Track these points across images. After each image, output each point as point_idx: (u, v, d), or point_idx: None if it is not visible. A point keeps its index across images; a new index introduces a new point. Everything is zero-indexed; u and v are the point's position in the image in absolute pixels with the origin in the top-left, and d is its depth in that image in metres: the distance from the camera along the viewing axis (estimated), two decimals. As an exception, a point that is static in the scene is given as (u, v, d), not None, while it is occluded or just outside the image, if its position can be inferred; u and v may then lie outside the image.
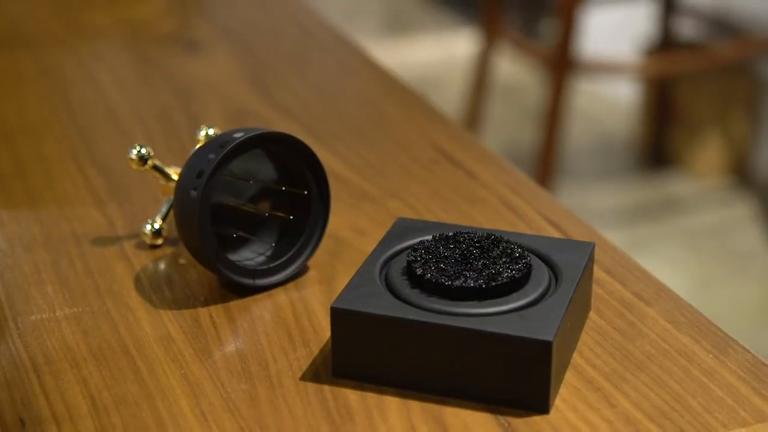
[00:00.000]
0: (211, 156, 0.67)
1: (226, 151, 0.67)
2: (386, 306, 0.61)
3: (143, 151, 0.74)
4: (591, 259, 0.66)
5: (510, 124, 3.00)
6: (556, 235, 0.77)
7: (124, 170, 0.87)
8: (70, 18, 1.23)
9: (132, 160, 0.74)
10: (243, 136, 0.68)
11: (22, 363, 0.64)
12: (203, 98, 1.00)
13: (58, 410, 0.60)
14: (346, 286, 0.63)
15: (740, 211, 2.62)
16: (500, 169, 0.87)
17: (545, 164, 2.36)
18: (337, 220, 0.79)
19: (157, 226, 0.75)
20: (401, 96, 1.02)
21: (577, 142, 2.88)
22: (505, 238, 0.66)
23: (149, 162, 0.75)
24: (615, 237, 2.41)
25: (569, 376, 0.62)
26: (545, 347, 0.57)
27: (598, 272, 0.71)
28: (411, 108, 0.99)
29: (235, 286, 0.70)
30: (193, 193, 0.66)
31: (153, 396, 0.61)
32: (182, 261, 0.74)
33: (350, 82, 1.07)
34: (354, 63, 1.11)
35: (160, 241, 0.75)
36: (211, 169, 0.67)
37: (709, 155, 2.74)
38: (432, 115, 0.97)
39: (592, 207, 2.61)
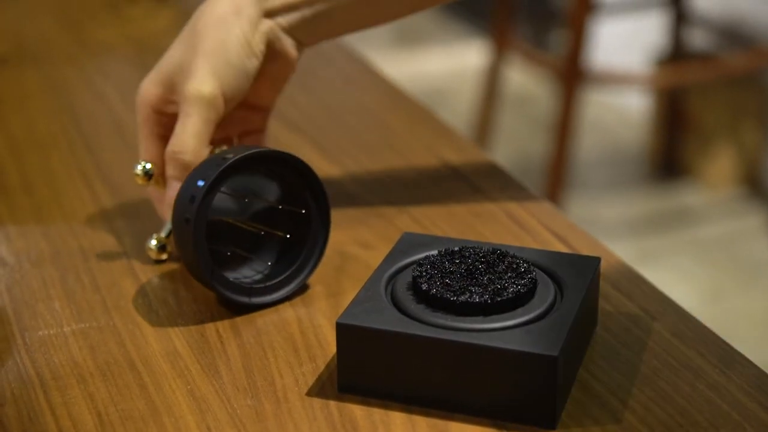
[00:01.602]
0: (201, 183, 0.67)
1: (215, 176, 0.67)
2: (391, 321, 0.61)
3: (147, 167, 0.74)
4: (597, 274, 0.66)
5: (521, 135, 3.00)
6: (563, 249, 0.77)
7: (131, 185, 0.87)
8: (77, 34, 1.24)
9: (137, 175, 0.74)
10: (232, 158, 0.68)
11: (29, 378, 0.64)
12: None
13: (65, 426, 0.60)
14: (352, 301, 0.63)
15: (752, 222, 2.61)
16: (506, 182, 0.87)
17: (556, 175, 2.36)
18: (344, 235, 0.79)
19: (160, 242, 0.75)
20: (407, 109, 1.02)
21: (589, 153, 2.88)
22: (511, 252, 0.66)
23: (154, 178, 0.75)
24: (626, 248, 2.42)
25: (575, 390, 0.62)
26: (551, 362, 0.57)
27: (604, 286, 0.71)
28: (417, 121, 0.99)
29: (232, 305, 0.70)
30: (187, 218, 0.67)
31: (159, 412, 0.61)
32: (189, 276, 0.74)
33: (356, 95, 1.07)
34: (360, 76, 1.11)
35: (165, 257, 0.75)
36: (201, 195, 0.67)
37: (720, 166, 2.74)
38: (438, 128, 0.97)
39: (603, 218, 2.61)
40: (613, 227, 2.58)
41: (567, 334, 0.59)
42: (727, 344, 0.66)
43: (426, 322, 0.61)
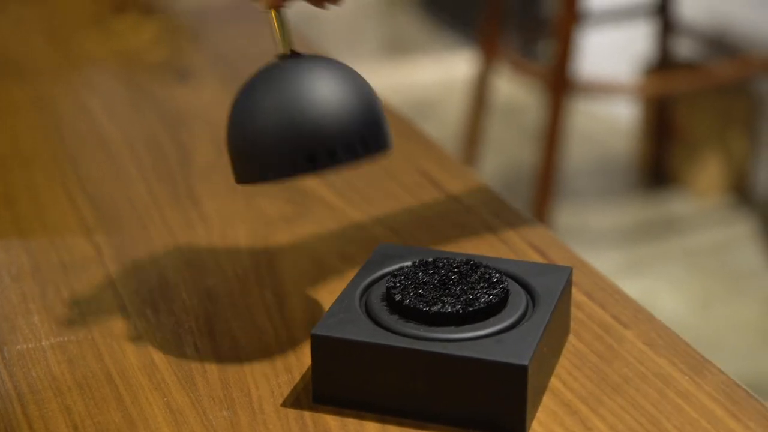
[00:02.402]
0: None
1: None
2: (365, 332, 0.61)
3: None
4: (569, 283, 0.67)
5: (510, 144, 3.01)
6: (539, 259, 0.77)
7: (112, 198, 0.88)
8: (63, 47, 1.24)
9: None
10: None
11: (7, 392, 0.65)
12: (192, 125, 1.01)
13: (42, 438, 0.61)
14: (326, 312, 0.63)
15: (740, 230, 2.62)
16: (485, 194, 0.88)
17: (544, 184, 2.37)
18: (323, 246, 0.79)
19: None
20: (389, 121, 1.02)
21: (578, 162, 2.89)
22: (484, 263, 0.67)
23: None
24: (615, 256, 2.43)
25: (547, 399, 0.62)
26: (521, 371, 0.58)
27: (578, 295, 0.72)
28: (398, 134, 1.00)
29: None
30: None
31: (135, 424, 0.62)
32: (167, 290, 0.75)
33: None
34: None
35: None
36: None
37: (708, 174, 2.75)
38: (419, 141, 0.98)
39: (592, 226, 2.62)
40: (602, 236, 2.59)
41: (537, 344, 0.60)
42: (698, 353, 0.66)
43: (399, 332, 0.61)
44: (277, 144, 0.63)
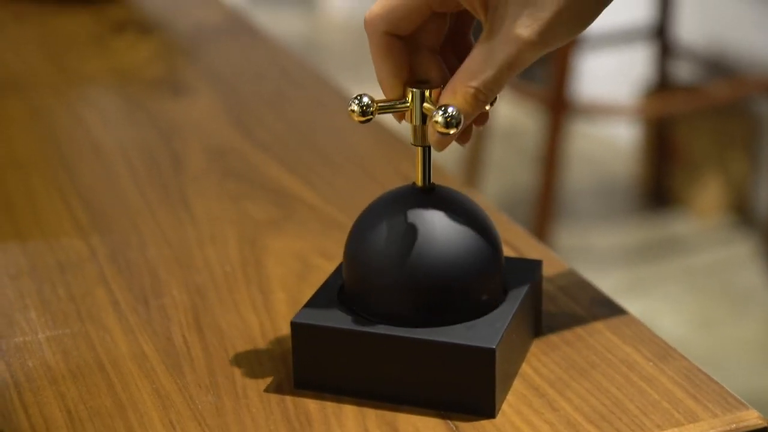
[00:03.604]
0: None
1: None
2: (341, 320, 0.65)
3: (365, 100, 0.64)
4: (539, 276, 0.70)
5: (510, 167, 3.05)
6: (513, 255, 0.80)
7: (107, 202, 0.91)
8: (62, 64, 1.28)
9: (354, 112, 0.64)
10: None
11: (4, 381, 0.68)
12: (185, 136, 1.05)
13: (37, 423, 0.64)
14: (307, 302, 0.67)
15: (741, 250, 2.65)
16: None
17: (544, 206, 2.40)
18: (307, 245, 0.83)
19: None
20: (373, 129, 1.06)
21: (578, 184, 2.92)
22: (458, 256, 0.70)
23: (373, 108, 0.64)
24: (616, 277, 2.46)
25: (517, 384, 0.65)
26: (489, 354, 0.61)
27: (552, 290, 0.75)
28: (381, 140, 1.04)
29: None
30: None
31: (125, 408, 0.65)
32: (159, 286, 0.78)
33: (325, 118, 1.11)
34: (330, 100, 1.16)
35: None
36: None
37: (709, 194, 2.77)
38: (401, 147, 1.01)
39: (593, 247, 2.65)
40: (603, 257, 2.61)
41: (505, 330, 0.63)
42: (664, 341, 0.69)
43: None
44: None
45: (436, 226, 0.64)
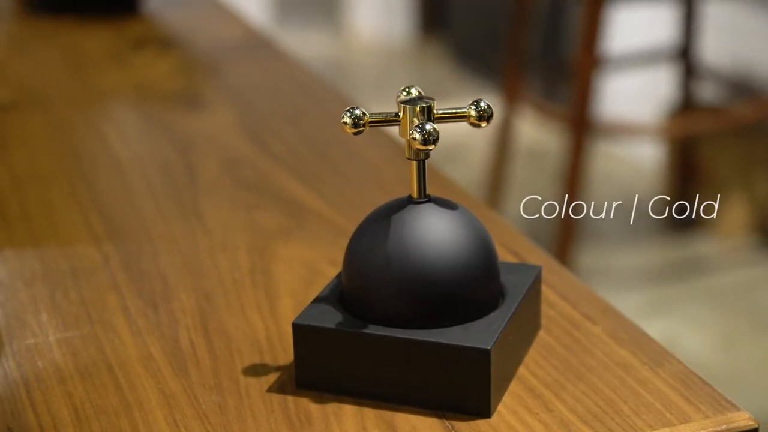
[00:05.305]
0: None
1: None
2: (342, 322, 0.66)
3: (357, 112, 0.66)
4: (537, 280, 0.72)
5: (534, 187, 3.06)
6: (513, 260, 0.82)
7: (122, 212, 0.93)
8: (83, 80, 1.31)
9: (346, 124, 0.66)
10: None
11: (14, 380, 0.70)
12: (201, 148, 1.07)
13: (44, 420, 0.66)
14: (309, 304, 0.68)
15: (765, 270, 2.65)
16: (465, 200, 0.92)
17: (568, 226, 2.41)
18: (316, 254, 0.84)
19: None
20: (386, 143, 1.08)
21: (602, 203, 2.93)
22: (458, 262, 0.71)
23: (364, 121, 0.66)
24: (640, 297, 2.46)
25: (513, 385, 0.67)
26: (484, 355, 0.63)
27: (551, 295, 0.76)
28: (395, 153, 1.05)
29: None
30: None
31: (131, 407, 0.67)
32: (168, 292, 0.80)
33: (340, 133, 1.13)
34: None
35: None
36: None
37: (733, 215, 2.77)
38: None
39: (616, 268, 2.65)
40: (626, 277, 2.62)
41: (501, 331, 0.64)
42: (660, 345, 0.71)
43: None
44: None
45: (429, 233, 0.66)
